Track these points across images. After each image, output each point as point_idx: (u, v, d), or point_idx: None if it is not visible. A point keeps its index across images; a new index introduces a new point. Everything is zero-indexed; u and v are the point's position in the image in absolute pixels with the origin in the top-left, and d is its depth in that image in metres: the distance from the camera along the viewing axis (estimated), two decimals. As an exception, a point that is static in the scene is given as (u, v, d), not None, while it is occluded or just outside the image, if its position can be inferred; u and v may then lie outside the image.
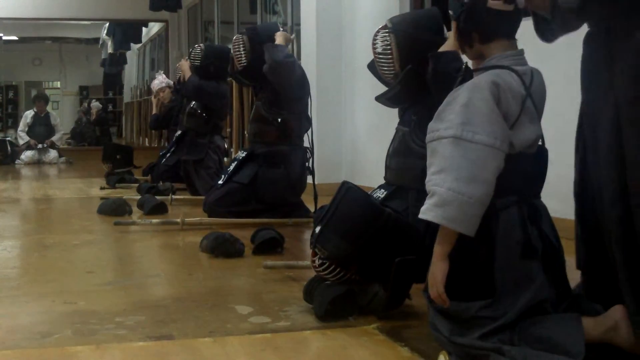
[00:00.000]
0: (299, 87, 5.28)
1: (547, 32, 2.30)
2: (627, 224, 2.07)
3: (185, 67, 7.26)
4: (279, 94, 5.25)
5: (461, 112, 2.15)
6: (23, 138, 12.69)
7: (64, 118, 21.05)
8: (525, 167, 2.28)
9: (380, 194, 3.23)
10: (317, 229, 2.78)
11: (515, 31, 2.31)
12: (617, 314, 2.18)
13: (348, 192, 2.77)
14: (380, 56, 3.31)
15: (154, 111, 9.05)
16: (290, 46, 5.56)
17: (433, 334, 2.34)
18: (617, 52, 2.08)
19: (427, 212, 2.16)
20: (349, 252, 2.71)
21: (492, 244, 2.20)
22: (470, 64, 2.49)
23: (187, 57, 7.44)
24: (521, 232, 2.22)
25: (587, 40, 2.20)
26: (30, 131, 12.72)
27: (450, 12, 2.36)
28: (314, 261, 2.83)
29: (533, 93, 2.27)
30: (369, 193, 3.01)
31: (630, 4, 2.06)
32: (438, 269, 2.19)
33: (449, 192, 2.10)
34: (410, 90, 3.19)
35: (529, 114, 2.25)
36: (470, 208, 2.10)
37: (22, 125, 12.93)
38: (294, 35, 5.60)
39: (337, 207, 2.75)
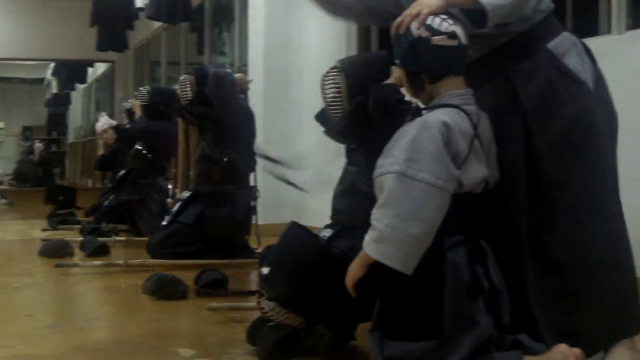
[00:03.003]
0: (244, 119, 5.29)
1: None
2: None
3: (137, 109, 7.19)
4: (224, 132, 5.25)
5: (407, 148, 2.15)
6: None
7: (7, 159, 20.79)
8: (472, 206, 2.28)
9: (327, 233, 3.22)
10: (264, 270, 2.75)
11: (462, 67, 2.32)
12: (559, 353, 2.19)
13: (294, 233, 2.75)
14: (330, 100, 3.31)
15: (100, 152, 8.98)
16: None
17: None
18: None
19: (366, 246, 2.18)
20: (295, 293, 2.69)
21: (440, 283, 2.19)
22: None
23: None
24: (468, 271, 2.21)
25: None
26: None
27: (396, 60, 2.36)
28: (259, 302, 2.80)
29: (480, 133, 2.28)
30: (315, 233, 2.99)
31: None
32: (354, 271, 2.29)
33: (387, 228, 2.11)
34: (360, 123, 3.18)
35: (477, 153, 2.26)
36: (407, 246, 2.10)
37: None
38: (252, 79, 5.67)
39: (283, 248, 2.73)
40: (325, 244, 2.89)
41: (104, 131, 8.70)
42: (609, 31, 4.24)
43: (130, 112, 7.71)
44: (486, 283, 2.24)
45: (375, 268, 2.24)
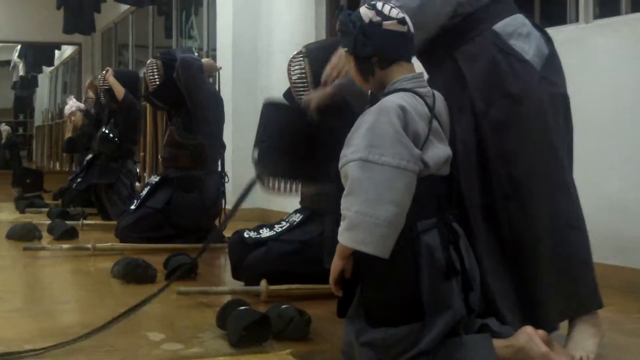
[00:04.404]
0: (213, 104, 5.28)
1: None
2: None
3: (113, 81, 6.95)
4: (193, 117, 5.24)
5: (367, 135, 2.17)
6: None
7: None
8: (441, 189, 2.31)
9: (297, 218, 3.24)
10: (254, 154, 2.95)
11: (411, 53, 2.37)
12: (525, 335, 2.23)
13: (269, 106, 2.88)
14: (296, 82, 3.33)
15: (67, 134, 8.92)
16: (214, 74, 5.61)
17: None
18: None
19: (340, 236, 2.19)
20: (284, 158, 2.78)
21: (417, 267, 2.21)
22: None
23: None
24: (443, 253, 2.23)
25: None
26: None
27: (345, 48, 2.38)
28: (263, 184, 3.05)
29: (438, 114, 2.32)
30: (290, 105, 3.10)
31: None
32: (335, 266, 2.27)
33: (357, 214, 2.12)
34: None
35: (437, 134, 2.30)
36: (379, 229, 2.11)
37: None
38: (220, 67, 5.66)
39: (265, 123, 2.81)
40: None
41: (72, 114, 8.64)
42: (576, 20, 4.28)
43: (109, 91, 7.42)
44: (459, 265, 2.27)
45: (353, 259, 2.26)
